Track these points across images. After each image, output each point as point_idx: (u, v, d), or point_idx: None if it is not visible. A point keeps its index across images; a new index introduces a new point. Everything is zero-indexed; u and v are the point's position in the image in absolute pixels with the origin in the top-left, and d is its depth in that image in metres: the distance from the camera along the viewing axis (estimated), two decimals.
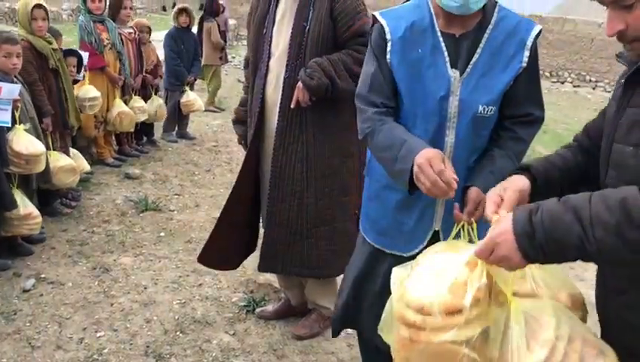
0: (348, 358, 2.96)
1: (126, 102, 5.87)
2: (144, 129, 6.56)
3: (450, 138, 1.79)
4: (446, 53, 1.76)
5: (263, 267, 2.98)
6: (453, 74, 1.75)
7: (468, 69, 1.75)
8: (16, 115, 3.55)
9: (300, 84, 2.62)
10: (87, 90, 5.10)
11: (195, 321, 3.20)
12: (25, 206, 3.70)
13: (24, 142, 3.57)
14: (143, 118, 6.17)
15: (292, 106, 2.66)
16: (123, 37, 5.84)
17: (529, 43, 1.75)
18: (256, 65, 2.86)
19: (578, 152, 1.53)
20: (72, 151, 4.74)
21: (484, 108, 1.74)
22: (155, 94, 6.67)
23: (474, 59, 1.75)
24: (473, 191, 1.66)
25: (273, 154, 2.76)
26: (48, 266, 3.73)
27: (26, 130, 3.63)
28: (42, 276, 3.59)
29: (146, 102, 6.32)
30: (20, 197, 3.68)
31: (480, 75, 1.74)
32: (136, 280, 3.62)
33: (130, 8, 6.07)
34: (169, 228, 4.49)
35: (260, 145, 2.87)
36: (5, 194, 3.53)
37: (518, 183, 1.42)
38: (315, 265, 2.87)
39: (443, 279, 1.27)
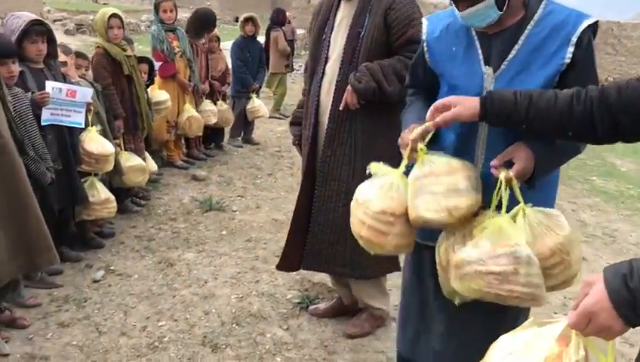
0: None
1: (197, 106, 6.14)
2: (212, 134, 6.80)
3: (482, 134, 1.84)
4: (480, 51, 1.81)
5: (305, 264, 3.06)
6: (487, 70, 1.80)
7: (503, 66, 1.77)
8: (89, 117, 3.80)
9: (349, 87, 2.70)
10: (157, 94, 5.37)
11: (251, 315, 3.31)
12: (103, 191, 4.00)
13: (95, 142, 3.82)
14: (213, 120, 6.42)
15: (340, 109, 2.75)
16: (197, 47, 6.14)
17: (574, 38, 1.69)
18: (314, 69, 2.97)
19: (584, 102, 1.52)
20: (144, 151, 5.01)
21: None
22: (223, 100, 6.92)
23: (510, 56, 1.76)
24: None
25: (322, 154, 2.86)
26: (117, 259, 3.97)
27: (97, 131, 3.88)
28: (111, 268, 3.82)
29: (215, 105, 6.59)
30: (98, 184, 3.98)
31: (516, 72, 1.75)
32: (198, 275, 3.79)
33: None
34: (231, 227, 4.66)
35: (316, 146, 2.95)
36: (78, 189, 3.79)
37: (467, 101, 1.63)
38: (358, 266, 2.91)
39: (535, 356, 1.21)
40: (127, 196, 4.84)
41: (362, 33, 2.74)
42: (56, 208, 3.70)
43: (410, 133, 1.77)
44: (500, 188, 1.66)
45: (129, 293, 3.50)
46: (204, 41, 6.32)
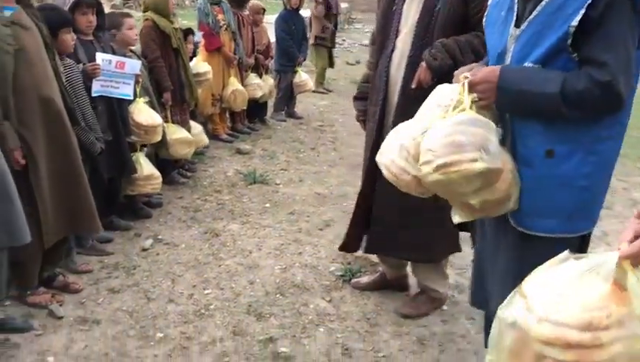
0: (441, 332, 2.98)
1: (242, 81, 6.17)
2: (256, 108, 6.84)
3: None
4: (515, 14, 1.81)
5: (369, 248, 3.04)
6: (513, 32, 1.80)
7: (523, 27, 1.76)
8: (137, 89, 3.87)
9: (422, 63, 2.57)
10: (198, 66, 5.40)
11: (294, 286, 3.35)
12: (148, 167, 4.07)
13: (144, 114, 3.89)
14: (259, 94, 6.46)
15: (413, 86, 2.60)
16: (242, 19, 6.16)
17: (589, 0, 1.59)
18: (382, 42, 2.85)
19: None
20: (195, 125, 5.08)
21: (531, 66, 1.73)
22: (266, 74, 6.93)
23: (531, 17, 1.73)
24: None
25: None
26: (165, 229, 4.06)
27: (145, 103, 3.95)
28: (159, 237, 3.92)
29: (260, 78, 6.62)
30: (143, 159, 4.06)
31: (533, 33, 1.72)
32: (242, 246, 3.84)
33: None
34: (274, 200, 4.70)
35: (383, 123, 2.83)
36: (128, 161, 3.88)
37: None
38: (425, 250, 2.89)
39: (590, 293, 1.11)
40: (174, 168, 4.93)
41: (438, 6, 2.61)
42: (106, 178, 3.80)
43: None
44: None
45: (176, 262, 3.59)
46: (248, 12, 6.30)
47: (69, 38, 3.23)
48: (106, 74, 3.61)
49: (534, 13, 1.72)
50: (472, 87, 1.74)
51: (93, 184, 3.60)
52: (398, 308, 3.16)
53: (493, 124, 1.70)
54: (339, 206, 4.61)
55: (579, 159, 1.72)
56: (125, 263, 3.53)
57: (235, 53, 5.91)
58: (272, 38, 7.29)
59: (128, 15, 4.27)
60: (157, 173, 4.17)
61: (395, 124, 2.72)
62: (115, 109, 3.78)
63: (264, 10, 6.79)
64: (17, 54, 2.68)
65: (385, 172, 1.90)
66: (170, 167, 4.85)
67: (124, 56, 3.95)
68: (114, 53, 3.85)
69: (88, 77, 3.49)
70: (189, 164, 5.21)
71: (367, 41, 16.18)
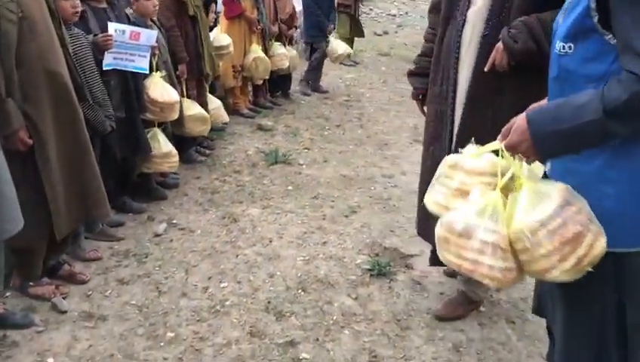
0: (479, 338, 2.70)
1: (266, 51, 5.86)
2: (279, 81, 6.52)
3: (550, 78, 1.62)
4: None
5: (434, 260, 2.72)
6: (560, 18, 1.59)
7: (566, 4, 1.56)
8: (154, 61, 3.59)
9: (499, 44, 2.22)
10: (219, 38, 5.08)
11: (318, 280, 3.09)
12: (165, 144, 3.82)
13: (160, 89, 3.62)
14: (286, 64, 6.15)
15: (486, 70, 2.27)
16: None
17: None
18: (449, 13, 2.48)
19: None
20: (214, 101, 4.79)
21: (562, 46, 1.52)
22: (290, 45, 6.60)
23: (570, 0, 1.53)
24: None
25: (461, 119, 2.42)
26: (180, 212, 3.81)
27: (162, 77, 3.66)
28: (174, 221, 3.67)
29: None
30: (160, 136, 3.80)
31: (569, 11, 1.51)
32: (262, 233, 3.58)
33: None
34: (297, 182, 4.42)
35: (453, 105, 2.49)
36: (142, 139, 3.62)
37: None
38: None
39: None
40: (191, 145, 4.67)
41: None
42: (118, 157, 3.56)
43: None
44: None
45: (191, 250, 3.34)
46: None
47: (68, 5, 2.93)
48: (120, 45, 3.34)
49: None
50: (513, 151, 1.50)
51: (105, 164, 3.41)
52: (432, 309, 2.87)
53: (564, 185, 1.47)
54: (365, 190, 4.32)
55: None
56: (136, 250, 3.29)
57: (258, 22, 5.58)
58: (298, 7, 6.94)
59: None
60: (174, 150, 3.93)
61: (464, 121, 2.41)
62: (130, 84, 3.52)
63: None
64: (21, 23, 2.40)
65: (471, 274, 1.56)
66: (188, 144, 4.59)
67: (145, 27, 3.67)
68: (129, 22, 3.57)
69: (99, 49, 3.22)
70: (207, 141, 4.95)
71: (394, 11, 15.66)
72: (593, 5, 1.38)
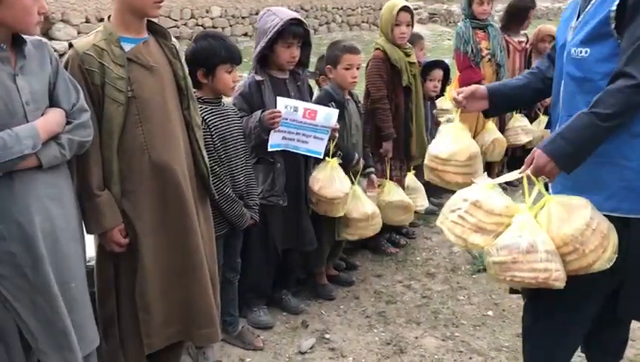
0: None
1: (502, 124, 4.92)
2: (517, 160, 5.45)
3: (565, 80, 1.99)
4: (579, 9, 1.96)
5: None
6: (573, 24, 1.95)
7: (579, 19, 1.92)
8: (331, 146, 3.01)
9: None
10: (444, 101, 4.29)
11: None
12: (369, 204, 3.34)
13: (325, 179, 3.01)
14: (524, 140, 5.10)
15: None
16: (510, 45, 4.89)
17: None
18: None
19: None
20: (413, 182, 4.04)
21: (575, 50, 1.90)
22: (544, 114, 5.49)
23: (586, 9, 1.89)
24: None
25: None
26: (339, 324, 3.14)
27: (339, 164, 3.07)
28: (326, 336, 3.02)
29: (530, 123, 5.24)
30: (362, 195, 3.32)
31: (584, 23, 1.88)
32: None
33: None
34: (503, 306, 3.37)
35: None
36: (306, 230, 3.09)
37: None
38: None
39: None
40: (385, 230, 3.95)
41: None
42: (280, 249, 3.08)
43: None
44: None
45: None
46: (523, 39, 4.97)
47: (229, 78, 2.53)
48: (290, 125, 2.85)
49: (589, 7, 1.89)
50: (538, 174, 1.83)
51: (265, 256, 3.02)
52: None
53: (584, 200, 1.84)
54: None
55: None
56: None
57: None
58: None
59: (354, 50, 3.30)
60: (377, 210, 3.40)
61: None
62: (301, 169, 3.02)
63: (553, 37, 5.34)
64: (129, 103, 2.04)
65: (545, 281, 1.80)
66: (382, 229, 3.89)
67: (342, 100, 3.16)
68: (311, 96, 3.08)
69: (264, 128, 2.76)
70: (407, 228, 4.20)
71: None
72: (613, 15, 1.76)
